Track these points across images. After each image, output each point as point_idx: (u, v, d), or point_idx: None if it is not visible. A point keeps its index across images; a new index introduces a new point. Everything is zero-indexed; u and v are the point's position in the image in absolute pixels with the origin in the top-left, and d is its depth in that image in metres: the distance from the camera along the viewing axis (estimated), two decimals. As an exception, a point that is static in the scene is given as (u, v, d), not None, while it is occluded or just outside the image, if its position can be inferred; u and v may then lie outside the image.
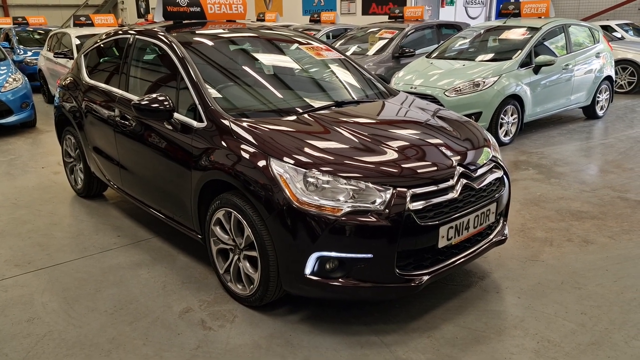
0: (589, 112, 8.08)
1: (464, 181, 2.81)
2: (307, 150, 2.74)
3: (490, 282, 3.26)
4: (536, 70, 6.79)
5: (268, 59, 3.96)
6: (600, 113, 8.14)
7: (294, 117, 3.14)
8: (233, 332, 2.79)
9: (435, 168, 2.78)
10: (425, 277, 2.68)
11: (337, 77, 4.02)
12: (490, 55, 7.16)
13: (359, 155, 2.76)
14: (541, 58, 6.79)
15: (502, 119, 6.51)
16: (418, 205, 2.61)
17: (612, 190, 4.90)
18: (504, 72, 6.55)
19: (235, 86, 3.52)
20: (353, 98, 3.68)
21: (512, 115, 6.62)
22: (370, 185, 2.59)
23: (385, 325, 2.83)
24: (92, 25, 10.18)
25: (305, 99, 3.51)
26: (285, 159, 2.68)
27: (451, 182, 2.77)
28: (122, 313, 2.98)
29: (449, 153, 2.92)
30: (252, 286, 2.90)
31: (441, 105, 6.29)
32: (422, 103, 3.79)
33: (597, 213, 4.35)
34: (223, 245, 3.07)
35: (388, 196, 2.57)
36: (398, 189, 2.60)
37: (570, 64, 7.30)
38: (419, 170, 2.73)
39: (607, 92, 8.20)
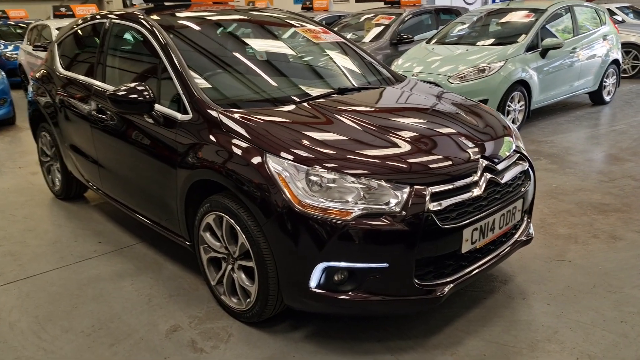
0: (596, 97, 7.74)
1: (488, 176, 2.46)
2: (308, 143, 2.38)
3: (514, 287, 2.92)
4: (543, 54, 6.44)
5: (260, 44, 3.58)
6: (607, 98, 7.81)
7: (291, 107, 2.77)
8: (228, 355, 2.43)
9: (456, 161, 2.42)
10: (448, 287, 2.33)
11: (337, 62, 3.65)
12: (493, 40, 6.80)
13: (368, 149, 2.40)
14: (548, 41, 6.43)
15: (509, 106, 6.16)
16: (439, 205, 2.26)
17: (633, 179, 4.56)
18: (509, 57, 6.19)
19: (224, 74, 3.14)
20: (356, 85, 3.31)
21: (519, 102, 6.27)
22: (384, 183, 2.23)
23: (402, 341, 2.48)
24: (73, 16, 9.72)
25: (302, 86, 3.13)
26: (283, 154, 2.31)
27: (475, 177, 2.41)
28: (101, 334, 2.61)
29: (469, 144, 2.56)
30: (248, 300, 2.54)
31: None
32: (434, 89, 3.44)
33: (620, 205, 4.01)
34: (214, 253, 2.70)
35: (405, 196, 2.21)
36: (415, 186, 2.24)
37: (577, 47, 6.95)
38: (438, 165, 2.38)
39: (614, 77, 7.87)
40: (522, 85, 6.25)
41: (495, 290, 2.89)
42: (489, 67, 6.06)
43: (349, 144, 2.42)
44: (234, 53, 3.31)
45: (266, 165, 2.30)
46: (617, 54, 7.78)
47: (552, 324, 2.58)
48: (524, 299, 2.80)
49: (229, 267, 2.63)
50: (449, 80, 6.05)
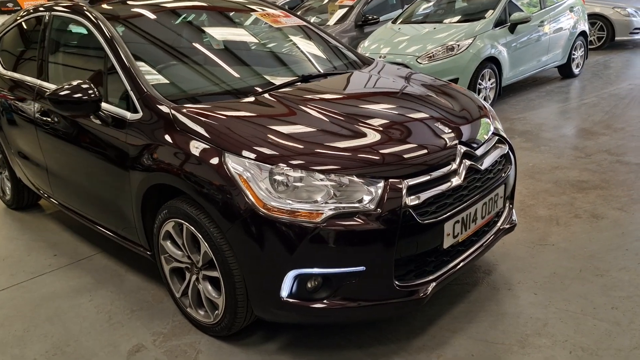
0: (565, 71, 7.68)
1: (468, 163, 2.29)
2: (271, 139, 2.16)
3: (498, 277, 2.78)
4: (512, 29, 6.31)
5: (217, 32, 3.32)
6: (576, 71, 7.75)
7: (251, 99, 2.54)
8: (197, 374, 2.23)
9: (433, 150, 2.24)
10: (431, 286, 2.17)
11: (300, 48, 3.42)
12: (460, 17, 6.63)
13: (337, 141, 2.19)
14: (516, 15, 6.30)
15: (480, 84, 6.03)
16: (417, 198, 2.07)
17: (609, 154, 4.48)
18: (478, 34, 6.04)
19: (178, 66, 2.88)
20: (321, 71, 3.09)
21: (489, 79, 6.14)
22: (356, 178, 2.03)
23: (384, 346, 2.31)
24: (21, 11, 9.18)
25: (263, 75, 2.90)
26: (243, 153, 2.09)
27: (453, 165, 2.24)
28: (56, 360, 2.38)
29: (445, 130, 2.38)
30: (216, 312, 2.33)
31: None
32: (402, 70, 3.24)
33: (598, 182, 3.92)
34: (177, 263, 2.48)
35: (379, 191, 2.02)
36: (390, 180, 2.05)
37: (544, 20, 6.84)
38: (413, 154, 2.19)
39: (582, 49, 7.81)
40: (492, 62, 6.11)
41: (479, 281, 2.75)
42: (458, 45, 5.90)
43: (316, 137, 2.21)
44: (188, 43, 3.05)
45: (225, 166, 2.07)
46: (584, 26, 7.72)
47: (541, 315, 2.44)
48: (509, 289, 2.66)
49: (193, 277, 2.41)
50: (418, 60, 5.87)
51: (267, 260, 2.03)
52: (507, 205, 2.69)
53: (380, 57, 6.14)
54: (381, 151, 2.16)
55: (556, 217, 3.40)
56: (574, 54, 7.59)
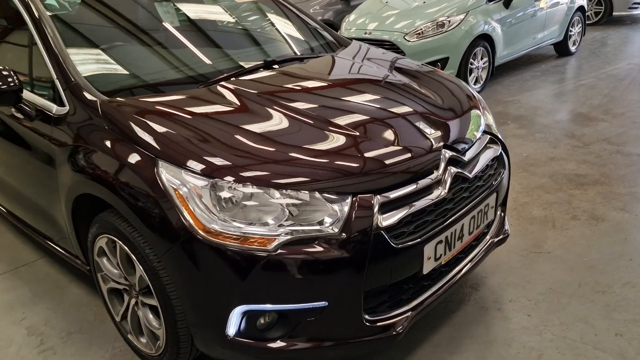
0: (561, 48, 7.28)
1: (454, 170, 1.92)
2: (215, 145, 1.78)
3: (487, 293, 2.45)
4: (507, 4, 5.88)
5: (166, 8, 2.88)
6: (573, 49, 7.36)
7: (200, 90, 2.15)
8: (132, 420, 1.89)
9: (413, 156, 1.87)
10: (408, 319, 1.83)
11: (265, 27, 3.01)
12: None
13: (296, 147, 1.81)
14: (512, -11, 5.87)
15: (472, 63, 5.63)
16: (391, 217, 1.72)
17: (608, 143, 4.14)
18: (470, 9, 5.61)
19: (118, 49, 2.46)
20: (288, 54, 2.69)
21: (482, 58, 5.74)
22: (317, 195, 1.66)
23: (354, 382, 1.99)
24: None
25: (219, 60, 2.49)
26: (181, 162, 1.71)
27: (437, 174, 1.88)
28: (-29, 398, 2.03)
29: (429, 130, 2.01)
30: (158, 343, 1.98)
31: (401, 53, 5.36)
32: (383, 55, 2.85)
33: (598, 176, 3.58)
34: (114, 284, 2.12)
35: (345, 209, 1.66)
36: (360, 196, 1.69)
37: (541, -6, 6.42)
38: (388, 163, 1.82)
39: (580, 25, 7.41)
40: (485, 39, 5.71)
41: (466, 299, 2.42)
42: (449, 21, 5.48)
43: (271, 142, 1.82)
44: (130, 20, 2.61)
45: (158, 178, 1.70)
46: (583, 0, 7.30)
47: (535, 343, 2.12)
48: (499, 309, 2.34)
49: (133, 301, 2.06)
50: (406, 37, 5.45)
51: (209, 293, 1.68)
52: (498, 213, 2.35)
53: (365, 33, 5.71)
54: (349, 159, 1.78)
55: (552, 218, 3.07)
56: (571, 31, 7.19)
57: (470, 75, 5.64)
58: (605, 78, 6.07)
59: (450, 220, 1.89)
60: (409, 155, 1.85)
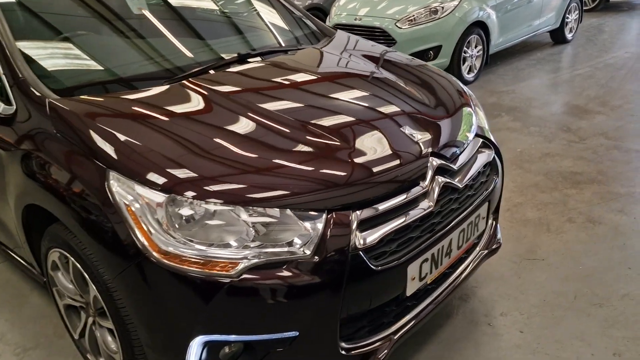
0: (557, 36, 7.08)
1: (442, 180, 1.74)
2: (176, 153, 1.58)
3: (477, 305, 2.29)
4: (502, -11, 5.67)
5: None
6: (569, 36, 7.15)
7: (163, 88, 1.94)
8: None
9: (397, 164, 1.68)
10: (390, 343, 1.66)
11: (242, 13, 2.78)
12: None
13: (265, 156, 1.62)
14: (508, -27, 5.64)
15: (465, 52, 5.42)
16: (371, 235, 1.54)
17: (606, 138, 3.97)
18: (465, -6, 5.39)
19: (74, 40, 2.21)
20: (266, 46, 2.48)
21: (476, 46, 5.53)
22: (288, 212, 1.48)
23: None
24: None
25: (186, 53, 2.27)
26: (134, 174, 1.51)
27: (423, 185, 1.69)
28: None
29: (416, 134, 1.82)
30: (117, 367, 1.81)
31: (393, 41, 5.14)
32: (374, 48, 2.64)
33: (595, 174, 3.42)
34: (70, 300, 1.94)
35: (319, 227, 1.48)
36: (336, 212, 1.51)
37: (538, -21, 6.20)
38: (370, 173, 1.63)
39: (577, 12, 7.19)
40: (480, 27, 5.49)
41: (454, 312, 2.26)
42: (442, 7, 5.25)
43: (237, 151, 1.62)
44: (93, 8, 2.37)
45: (108, 191, 1.50)
46: (580, -14, 7.09)
47: (528, 365, 1.97)
48: (490, 324, 2.18)
49: (90, 319, 1.88)
50: (397, 24, 5.22)
51: (166, 321, 1.50)
52: (490, 222, 2.17)
53: (355, 19, 5.48)
54: (326, 171, 1.59)
55: (547, 220, 2.91)
56: (567, 18, 6.98)
57: (463, 64, 5.43)
58: (602, 67, 5.89)
59: (438, 235, 1.72)
60: (392, 164, 1.67)
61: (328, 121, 1.80)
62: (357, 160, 1.65)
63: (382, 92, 2.06)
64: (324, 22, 3.55)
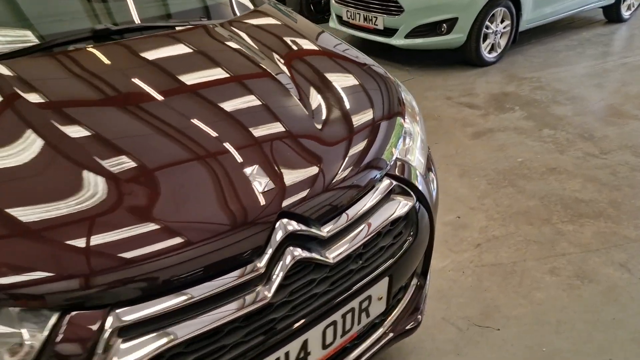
0: (612, 13, 6.06)
1: (298, 254, 1.13)
2: None
3: (387, 393, 1.72)
4: (543, -46, 4.74)
5: None
6: (626, 14, 6.12)
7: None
8: None
9: (209, 229, 1.08)
10: None
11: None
12: None
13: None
14: None
15: (488, 27, 4.59)
16: (143, 349, 0.97)
17: (633, 154, 3.19)
18: (495, -43, 4.51)
19: None
20: (127, 21, 1.82)
21: (502, 21, 4.69)
22: (11, 309, 0.92)
23: None
24: None
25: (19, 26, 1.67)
26: None
27: (255, 267, 1.10)
28: None
29: (262, 179, 1.19)
30: None
31: (399, 8, 4.37)
32: (301, 33, 1.96)
33: (605, 205, 2.70)
34: None
35: (39, 336, 0.92)
36: (77, 312, 0.95)
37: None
38: (149, 242, 1.04)
39: (639, -15, 6.12)
40: (509, -2, 4.64)
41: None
42: (465, -28, 4.41)
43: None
44: None
45: None
46: (647, -45, 5.99)
47: None
48: None
49: None
50: (407, -11, 4.43)
51: None
52: (407, 293, 1.56)
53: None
54: (73, 242, 1.00)
55: (522, 269, 2.25)
56: (626, -8, 5.94)
57: (484, 42, 4.62)
58: (656, 57, 4.94)
59: (281, 337, 1.14)
60: (197, 232, 1.07)
61: (124, 155, 1.17)
62: (141, 223, 1.05)
63: (246, 108, 1.40)
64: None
